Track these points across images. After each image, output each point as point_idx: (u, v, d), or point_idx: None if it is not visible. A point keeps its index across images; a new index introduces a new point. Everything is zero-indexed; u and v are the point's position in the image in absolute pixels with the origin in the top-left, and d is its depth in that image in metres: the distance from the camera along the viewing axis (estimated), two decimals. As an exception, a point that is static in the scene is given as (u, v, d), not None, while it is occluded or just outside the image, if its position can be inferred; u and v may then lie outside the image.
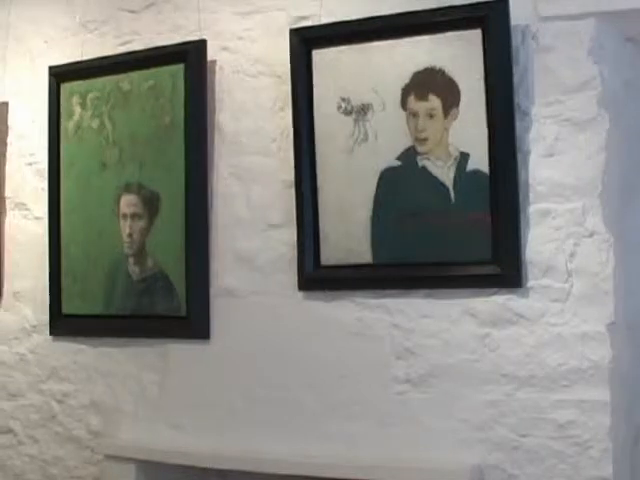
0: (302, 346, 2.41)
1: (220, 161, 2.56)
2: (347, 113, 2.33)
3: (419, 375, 2.24)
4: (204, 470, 2.53)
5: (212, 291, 2.55)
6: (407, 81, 2.24)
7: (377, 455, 2.28)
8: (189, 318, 2.55)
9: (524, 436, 2.11)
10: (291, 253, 2.42)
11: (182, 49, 2.58)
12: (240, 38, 2.55)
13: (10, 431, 2.96)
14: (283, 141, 2.45)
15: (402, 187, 2.25)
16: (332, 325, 2.37)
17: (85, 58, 2.80)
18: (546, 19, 2.13)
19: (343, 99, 2.33)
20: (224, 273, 2.53)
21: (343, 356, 2.35)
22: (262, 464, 2.40)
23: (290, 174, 2.41)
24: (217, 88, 2.57)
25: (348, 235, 2.33)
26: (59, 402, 2.85)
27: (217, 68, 2.57)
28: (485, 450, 2.14)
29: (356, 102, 2.31)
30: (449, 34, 2.19)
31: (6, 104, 2.98)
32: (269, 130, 2.48)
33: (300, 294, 2.42)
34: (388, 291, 2.28)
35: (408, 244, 2.24)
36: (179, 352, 2.59)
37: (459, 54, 2.17)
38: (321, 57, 2.37)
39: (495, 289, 2.15)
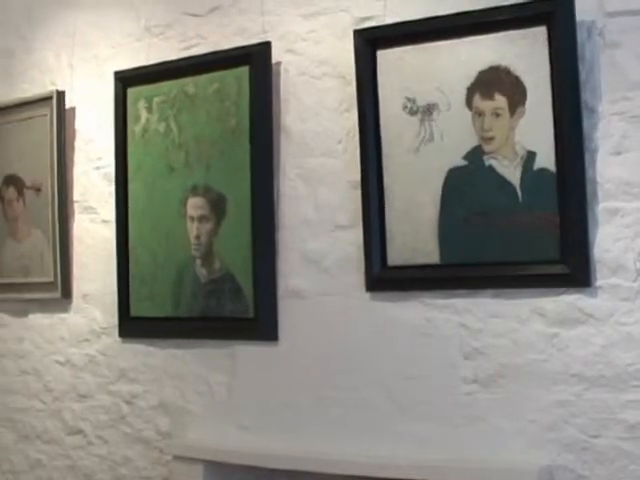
0: (370, 347, 2.51)
1: (286, 162, 2.68)
2: (413, 113, 2.43)
3: (487, 375, 2.32)
4: (272, 471, 2.63)
5: (279, 292, 2.67)
6: (472, 80, 2.34)
7: (445, 456, 2.37)
8: (257, 320, 2.67)
9: (594, 437, 2.18)
10: (358, 254, 2.52)
11: (247, 52, 2.71)
12: (304, 40, 2.67)
13: (80, 432, 3.13)
14: (349, 142, 2.56)
15: (468, 187, 2.35)
16: (400, 325, 2.47)
17: (150, 62, 2.95)
18: (612, 14, 2.20)
19: (408, 99, 2.44)
20: (291, 274, 2.65)
21: (411, 356, 2.45)
22: (330, 465, 2.49)
23: (356, 175, 2.51)
24: (282, 90, 2.69)
25: (415, 235, 2.43)
26: (128, 403, 3.00)
27: (282, 70, 2.69)
28: (554, 451, 2.23)
29: (421, 102, 2.42)
30: (513, 32, 2.28)
31: (73, 109, 3.18)
32: (335, 131, 2.60)
33: (367, 295, 2.52)
34: (456, 291, 2.38)
35: (475, 244, 2.34)
36: (247, 353, 2.73)
37: (524, 52, 2.26)
38: (386, 57, 2.48)
39: (563, 288, 2.23)
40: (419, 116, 2.42)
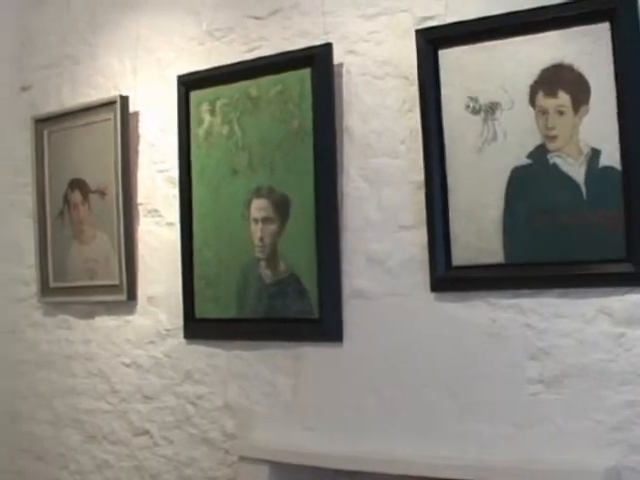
0: (434, 347, 2.58)
1: (349, 163, 2.76)
2: (475, 112, 2.50)
3: (553, 375, 2.37)
4: (336, 472, 2.71)
5: (344, 293, 2.75)
6: (535, 78, 2.40)
7: (510, 457, 2.42)
8: (321, 321, 2.76)
9: (662, 437, 2.22)
10: (422, 254, 2.59)
11: (309, 53, 2.81)
12: (366, 40, 2.74)
13: (146, 432, 3.26)
14: (412, 142, 2.63)
15: (533, 185, 2.41)
16: (464, 326, 2.53)
17: (212, 66, 3.07)
18: (677, 8, 2.24)
19: (471, 98, 2.51)
20: (355, 275, 2.73)
21: (476, 357, 2.51)
22: (394, 466, 2.56)
23: (420, 175, 2.59)
24: (344, 91, 2.78)
25: (479, 235, 2.50)
26: (193, 404, 3.12)
27: (344, 71, 2.78)
28: (621, 452, 2.26)
29: (484, 101, 2.49)
30: (576, 29, 2.33)
31: (137, 113, 3.33)
32: (397, 131, 2.67)
33: (432, 295, 2.59)
34: (520, 291, 2.43)
35: (540, 243, 2.40)
36: (312, 355, 2.82)
37: (587, 49, 2.32)
38: (447, 57, 2.55)
39: (629, 287, 2.27)
40: (482, 115, 2.49)
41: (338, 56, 2.79)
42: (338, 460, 2.68)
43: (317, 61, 2.78)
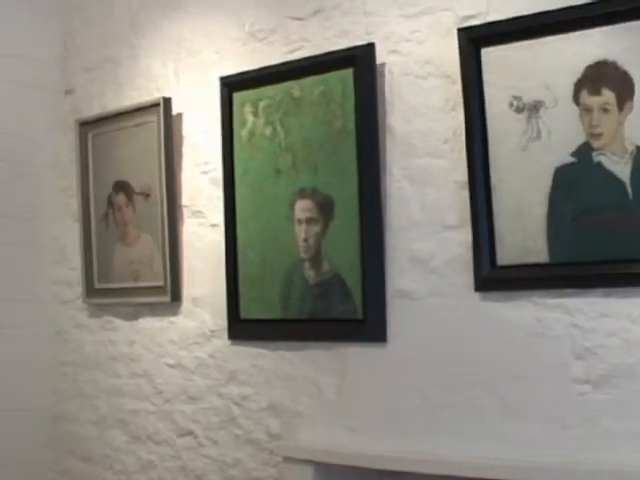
0: (479, 347, 2.61)
1: (392, 163, 2.80)
2: (519, 111, 2.53)
3: (600, 375, 2.39)
4: (381, 472, 2.74)
5: (388, 293, 2.79)
6: (579, 76, 2.42)
7: (556, 457, 2.43)
8: (365, 321, 2.81)
9: None
10: (467, 254, 2.62)
11: (351, 54, 2.85)
12: (408, 40, 2.78)
13: (191, 433, 3.33)
14: (455, 141, 2.66)
15: (577, 184, 2.43)
16: (510, 326, 2.55)
17: (255, 67, 3.14)
18: None
19: (514, 97, 2.54)
20: (399, 275, 2.77)
21: (521, 357, 2.53)
22: (439, 466, 2.58)
23: (463, 174, 2.62)
24: (387, 91, 2.82)
25: (524, 234, 2.53)
26: (238, 405, 3.18)
27: (386, 71, 2.82)
28: (669, 452, 2.28)
29: (527, 99, 2.51)
30: (620, 25, 2.35)
31: (180, 115, 3.40)
32: (441, 131, 2.70)
33: (477, 295, 2.62)
34: (566, 290, 2.45)
35: (585, 242, 2.42)
36: (356, 355, 2.86)
37: (631, 46, 2.33)
38: (490, 55, 2.58)
39: (675, 286, 2.29)
40: (525, 114, 2.52)
41: (380, 56, 2.83)
42: (382, 460, 2.72)
43: (359, 61, 2.83)
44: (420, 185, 2.75)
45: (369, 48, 2.83)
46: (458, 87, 2.65)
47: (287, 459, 2.93)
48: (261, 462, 3.11)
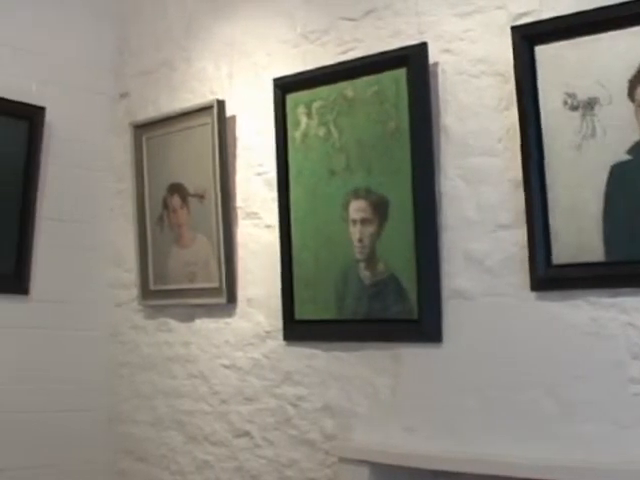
0: (535, 347, 2.63)
1: (447, 163, 2.84)
2: (573, 108, 2.55)
3: None
4: (436, 473, 2.77)
5: (443, 293, 2.82)
6: (634, 72, 2.43)
7: (613, 458, 2.43)
8: (421, 321, 2.84)
9: None
10: (522, 253, 2.65)
11: (403, 53, 2.90)
12: (461, 39, 2.82)
13: (247, 434, 3.39)
14: (509, 140, 2.69)
15: (633, 182, 2.44)
16: (565, 325, 2.57)
17: (307, 68, 3.20)
18: None
19: (569, 94, 2.56)
20: (454, 275, 2.81)
21: (577, 356, 2.54)
22: (495, 467, 2.60)
23: (518, 173, 2.65)
24: (440, 90, 2.86)
25: (579, 233, 2.54)
26: (293, 406, 3.23)
27: (439, 70, 2.86)
28: None
29: (582, 97, 2.53)
30: (675, 20, 2.36)
31: (234, 117, 3.48)
32: (494, 130, 2.74)
33: (532, 294, 2.63)
34: (622, 289, 2.46)
35: (641, 240, 2.43)
36: (411, 355, 2.89)
37: (688, 41, 2.35)
38: (544, 53, 2.60)
39: None
40: (580, 111, 2.54)
41: (433, 55, 2.87)
42: (438, 461, 2.74)
43: (412, 61, 2.87)
44: (475, 184, 2.78)
45: (422, 47, 2.87)
46: (512, 85, 2.67)
47: (342, 459, 2.97)
48: (316, 462, 3.16)
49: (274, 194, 3.30)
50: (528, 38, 2.63)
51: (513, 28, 2.66)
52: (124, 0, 4.10)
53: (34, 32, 3.84)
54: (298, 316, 3.21)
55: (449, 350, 2.82)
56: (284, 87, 3.25)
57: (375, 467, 2.88)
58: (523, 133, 2.64)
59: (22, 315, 3.75)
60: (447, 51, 2.87)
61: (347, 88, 3.06)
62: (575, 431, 2.54)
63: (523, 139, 2.64)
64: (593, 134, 2.52)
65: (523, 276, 2.65)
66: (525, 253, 2.64)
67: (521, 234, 2.65)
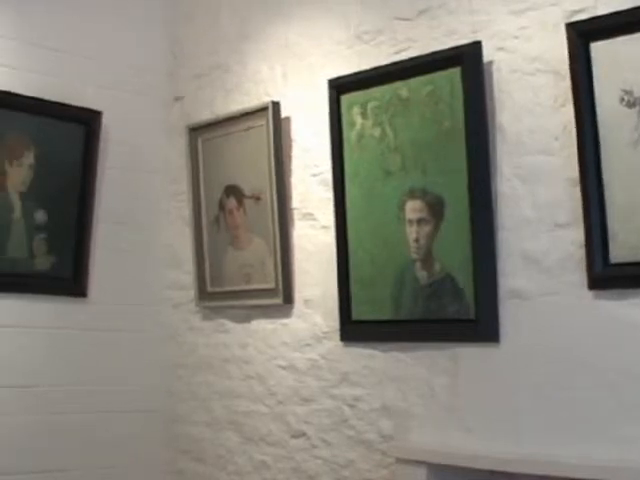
0: (593, 346, 2.62)
1: (502, 162, 2.86)
2: (630, 105, 2.54)
3: None
4: (494, 473, 2.77)
5: (500, 293, 2.84)
6: None
7: None
8: (478, 321, 2.87)
9: None
10: (579, 252, 2.65)
11: (458, 52, 2.93)
12: (515, 37, 2.84)
13: (304, 435, 3.44)
14: (565, 138, 2.70)
15: None
16: (624, 324, 2.56)
17: (361, 69, 3.24)
18: None
19: (625, 91, 2.55)
20: (511, 275, 2.82)
21: (637, 355, 2.53)
22: (554, 467, 2.59)
23: (574, 172, 2.65)
24: (495, 89, 2.88)
25: (637, 231, 2.54)
26: (350, 406, 3.27)
27: (494, 69, 2.88)
28: None
29: (639, 93, 2.52)
30: None
31: (288, 118, 3.55)
32: (550, 128, 2.74)
33: (590, 294, 2.63)
34: None
35: (701, 237, 2.43)
36: (468, 355, 2.92)
37: None
38: (599, 50, 2.60)
39: None
40: (637, 108, 2.53)
41: (488, 54, 2.89)
42: (496, 462, 2.75)
43: (467, 60, 2.90)
44: (531, 183, 2.79)
45: (476, 46, 2.89)
46: (567, 83, 2.68)
47: (399, 460, 3.00)
48: (373, 463, 3.19)
49: (330, 195, 3.35)
50: (583, 35, 2.63)
51: (568, 25, 2.67)
52: (178, 4, 4.20)
53: (90, 37, 3.96)
54: (355, 317, 3.25)
55: (506, 350, 2.84)
56: (339, 88, 3.30)
57: (432, 468, 2.90)
58: (579, 131, 2.64)
59: (81, 317, 3.86)
60: (501, 49, 2.88)
61: (402, 88, 3.10)
62: (635, 432, 2.52)
63: (579, 137, 2.65)
64: (651, 131, 2.52)
65: (580, 275, 2.66)
66: (582, 252, 2.65)
67: (578, 233, 2.66)
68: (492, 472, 2.80)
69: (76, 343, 3.84)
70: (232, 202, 3.73)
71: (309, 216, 3.49)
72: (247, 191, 3.66)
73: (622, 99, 2.58)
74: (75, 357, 3.83)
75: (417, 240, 3.04)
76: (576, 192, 2.67)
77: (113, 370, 3.93)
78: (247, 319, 3.72)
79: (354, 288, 3.24)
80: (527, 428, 2.78)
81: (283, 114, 3.55)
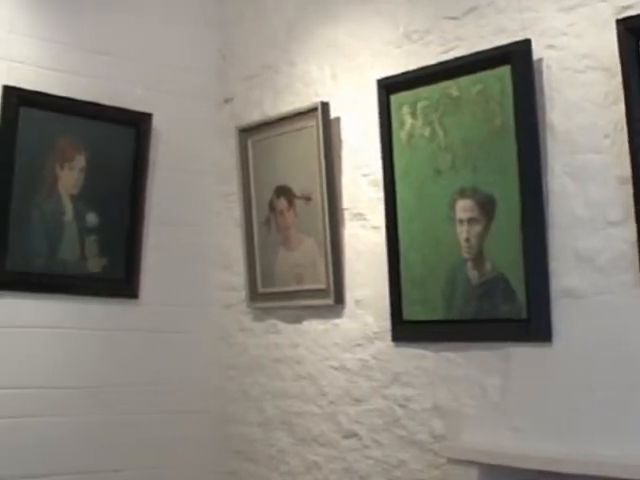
0: None
1: (553, 160, 2.87)
2: None
3: None
4: (545, 474, 2.75)
5: (552, 292, 2.85)
6: None
7: None
8: (530, 320, 2.88)
9: None
10: (632, 251, 2.65)
11: (507, 51, 2.95)
12: (565, 34, 2.85)
13: (355, 435, 3.48)
14: (617, 136, 2.70)
15: None
16: None
17: (410, 68, 3.28)
18: None
19: None
20: (563, 274, 2.83)
21: None
22: (605, 468, 2.58)
23: (625, 170, 2.65)
24: (545, 87, 2.89)
25: None
26: (402, 407, 3.31)
27: (544, 67, 2.90)
28: None
29: None
30: None
31: (338, 119, 3.60)
32: (601, 125, 2.75)
33: None
34: None
35: None
36: (520, 355, 2.93)
37: None
38: None
39: None
40: None
41: (537, 51, 2.91)
42: (548, 462, 2.75)
43: (516, 58, 2.92)
44: (582, 181, 2.81)
45: (526, 44, 2.92)
46: (618, 80, 2.68)
47: (451, 460, 3.02)
48: (425, 463, 3.21)
49: (380, 195, 3.38)
50: (634, 31, 2.63)
51: (618, 21, 2.67)
52: (226, 5, 4.28)
53: (139, 40, 4.05)
54: (406, 317, 3.28)
55: (559, 349, 2.85)
56: (388, 88, 3.33)
57: (484, 468, 2.92)
58: (630, 128, 2.64)
59: (132, 319, 3.95)
60: (551, 47, 2.90)
61: (451, 87, 3.13)
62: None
63: (630, 135, 2.64)
64: (702, 126, 2.51)
65: (633, 274, 2.66)
66: (635, 250, 2.65)
67: (630, 231, 2.66)
68: (544, 473, 2.79)
69: (127, 344, 3.93)
70: (282, 203, 3.79)
71: (359, 216, 3.52)
72: (297, 192, 3.71)
73: (674, 95, 2.57)
74: (126, 358, 3.92)
75: (468, 240, 3.07)
76: (627, 190, 2.67)
77: (164, 371, 4.01)
78: (298, 320, 3.77)
79: (405, 288, 3.27)
80: (579, 428, 2.78)
81: (333, 114, 3.60)
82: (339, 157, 3.61)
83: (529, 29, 2.96)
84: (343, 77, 3.64)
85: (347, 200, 3.58)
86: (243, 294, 4.02)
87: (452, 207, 3.12)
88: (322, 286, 3.60)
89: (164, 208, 4.08)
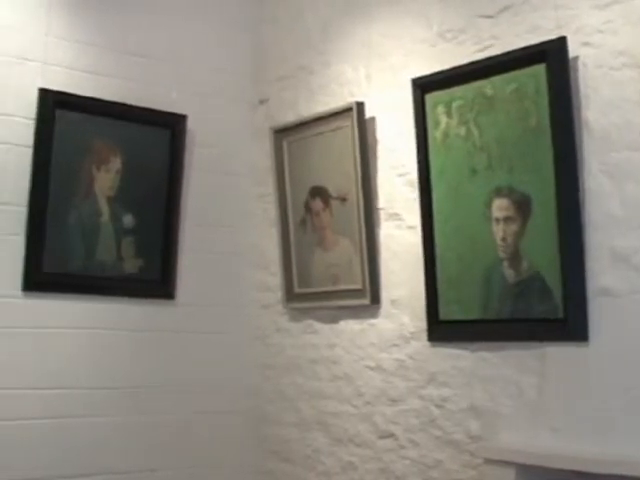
0: None
1: (590, 159, 2.87)
2: None
3: None
4: (583, 475, 2.75)
5: (589, 291, 2.85)
6: None
7: None
8: (566, 320, 2.89)
9: None
10: None
11: (542, 49, 2.96)
12: (600, 31, 2.85)
13: (391, 435, 3.51)
14: None
15: None
16: None
17: (444, 67, 3.30)
18: None
19: None
20: (600, 273, 2.83)
21: None
22: None
23: None
24: (581, 85, 2.90)
25: None
26: (438, 407, 3.32)
27: (579, 64, 2.90)
28: None
29: None
30: None
31: (373, 119, 3.62)
32: (637, 123, 2.75)
33: None
34: None
35: None
36: (557, 354, 2.94)
37: None
38: None
39: None
40: None
41: (573, 49, 2.91)
42: (585, 462, 2.75)
43: (551, 56, 2.93)
44: (619, 180, 2.80)
45: (561, 42, 2.92)
46: (655, 77, 2.69)
47: (488, 461, 3.03)
48: (461, 464, 3.23)
49: (416, 195, 3.40)
50: (670, 27, 2.64)
51: (655, 18, 2.68)
52: (260, 7, 4.33)
53: (173, 42, 4.10)
54: (442, 316, 3.30)
55: (596, 349, 2.85)
56: (423, 87, 3.36)
57: (521, 468, 2.92)
58: (667, 126, 2.65)
59: (169, 319, 4.00)
60: (587, 44, 2.90)
61: (486, 86, 3.14)
62: None
63: (667, 132, 2.65)
64: None
65: (671, 273, 2.67)
66: (673, 250, 2.66)
67: (667, 230, 2.67)
68: (581, 473, 2.78)
69: (164, 345, 3.98)
70: (318, 203, 3.82)
71: (395, 216, 3.55)
72: (333, 192, 3.74)
73: None
74: (163, 359, 3.97)
75: (504, 239, 3.08)
76: (665, 188, 2.68)
77: (201, 371, 4.05)
78: (335, 320, 3.80)
79: (441, 288, 3.29)
80: (616, 428, 2.79)
81: (367, 114, 3.63)
82: (374, 157, 3.63)
83: (564, 27, 2.97)
84: (377, 77, 3.67)
85: (383, 200, 3.60)
86: (279, 295, 4.06)
87: (488, 206, 3.13)
88: (358, 286, 3.63)
89: (200, 209, 4.12)
